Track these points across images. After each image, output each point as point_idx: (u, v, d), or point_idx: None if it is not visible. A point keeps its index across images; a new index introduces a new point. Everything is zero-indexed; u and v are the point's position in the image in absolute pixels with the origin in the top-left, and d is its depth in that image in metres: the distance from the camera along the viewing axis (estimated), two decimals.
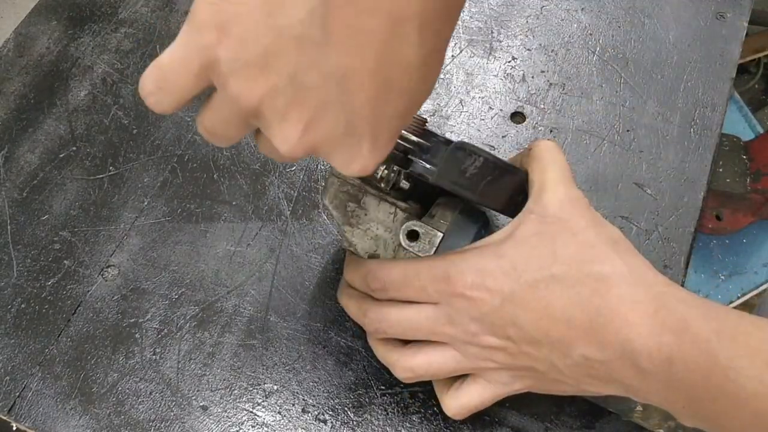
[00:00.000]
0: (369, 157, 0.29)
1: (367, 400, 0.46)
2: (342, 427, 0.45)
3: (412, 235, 0.40)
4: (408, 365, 0.39)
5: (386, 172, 0.41)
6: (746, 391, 0.31)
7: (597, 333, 0.34)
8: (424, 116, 0.41)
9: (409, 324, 0.38)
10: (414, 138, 0.40)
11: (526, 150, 0.41)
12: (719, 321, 0.33)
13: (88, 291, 0.50)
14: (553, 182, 0.38)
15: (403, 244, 0.40)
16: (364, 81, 0.26)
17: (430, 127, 0.44)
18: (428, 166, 0.39)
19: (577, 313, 0.34)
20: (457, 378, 0.41)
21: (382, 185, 0.41)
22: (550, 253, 0.35)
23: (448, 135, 0.55)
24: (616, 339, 0.33)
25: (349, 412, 0.46)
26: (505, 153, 0.57)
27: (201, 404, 0.46)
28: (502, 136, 0.57)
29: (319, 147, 0.29)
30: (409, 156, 0.41)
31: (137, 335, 0.48)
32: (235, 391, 0.46)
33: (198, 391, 0.46)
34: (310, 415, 0.46)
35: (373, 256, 0.42)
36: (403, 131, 0.40)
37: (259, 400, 0.46)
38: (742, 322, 0.33)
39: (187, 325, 0.49)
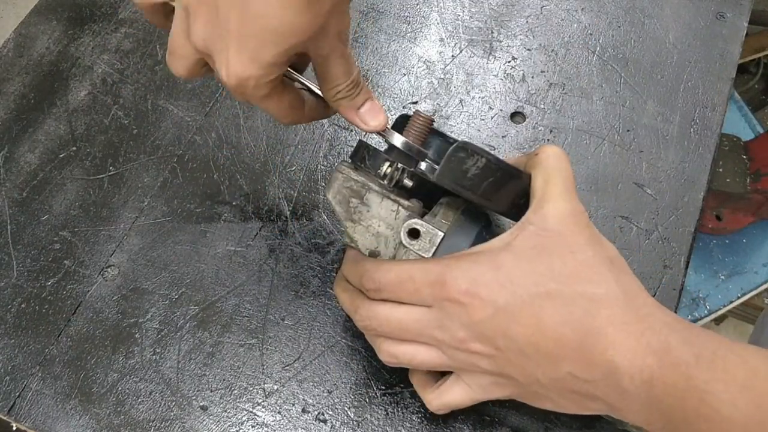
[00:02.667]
0: (232, 65, 0.35)
1: (367, 400, 0.46)
2: (342, 427, 0.45)
3: (413, 234, 0.40)
4: (392, 351, 0.40)
5: (390, 169, 0.41)
6: (720, 415, 0.32)
7: (585, 352, 0.34)
8: (432, 117, 0.42)
9: (398, 324, 0.38)
10: (398, 143, 0.40)
11: (533, 153, 0.41)
12: (699, 346, 0.33)
13: (88, 291, 0.50)
14: (554, 194, 0.38)
15: (403, 242, 0.40)
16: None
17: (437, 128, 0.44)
18: (430, 164, 0.39)
19: (568, 332, 0.34)
20: (438, 375, 0.41)
21: (386, 182, 0.41)
22: (546, 270, 0.35)
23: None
24: (603, 359, 0.34)
25: (349, 412, 0.46)
26: (505, 153, 0.57)
27: (201, 404, 0.46)
28: (502, 136, 0.57)
29: (208, 44, 0.36)
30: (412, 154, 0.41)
31: (137, 335, 0.48)
32: (235, 391, 0.46)
33: (198, 391, 0.46)
34: (310, 415, 0.46)
35: (373, 253, 0.42)
36: (404, 135, 0.41)
37: (259, 400, 0.46)
38: (721, 347, 0.33)
39: (187, 325, 0.49)
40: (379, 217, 0.41)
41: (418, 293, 0.37)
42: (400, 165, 0.41)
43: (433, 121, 0.41)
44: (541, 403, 0.38)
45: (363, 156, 0.42)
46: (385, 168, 0.41)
